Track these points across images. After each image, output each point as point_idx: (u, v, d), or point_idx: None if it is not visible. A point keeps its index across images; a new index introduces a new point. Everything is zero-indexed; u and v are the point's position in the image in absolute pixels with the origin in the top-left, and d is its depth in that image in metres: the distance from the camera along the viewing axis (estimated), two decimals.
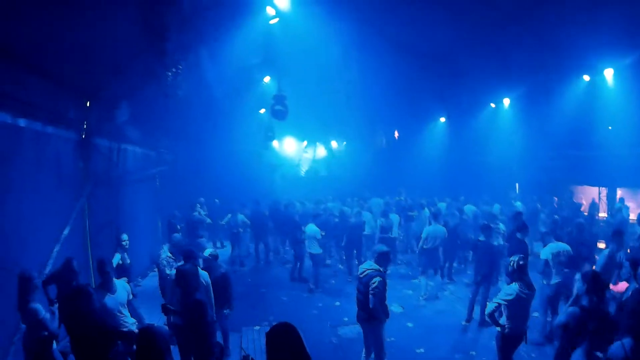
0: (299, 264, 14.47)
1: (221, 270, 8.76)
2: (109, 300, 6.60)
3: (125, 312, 6.83)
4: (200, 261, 9.22)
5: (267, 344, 3.99)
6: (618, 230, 9.40)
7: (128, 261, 9.91)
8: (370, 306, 7.30)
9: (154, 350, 4.19)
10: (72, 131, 10.08)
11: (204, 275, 7.70)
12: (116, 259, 9.63)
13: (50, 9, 7.18)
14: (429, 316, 11.40)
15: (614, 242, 8.92)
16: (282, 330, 4.02)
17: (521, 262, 6.98)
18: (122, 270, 9.43)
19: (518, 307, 6.87)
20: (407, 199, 20.81)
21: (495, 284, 11.86)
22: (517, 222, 11.55)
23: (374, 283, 7.26)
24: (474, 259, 12.11)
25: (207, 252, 8.99)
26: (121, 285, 6.91)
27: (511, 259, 7.14)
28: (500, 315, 7.06)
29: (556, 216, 14.95)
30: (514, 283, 6.97)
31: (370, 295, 7.27)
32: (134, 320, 6.95)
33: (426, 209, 17.00)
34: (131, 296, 7.09)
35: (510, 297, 6.85)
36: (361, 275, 7.58)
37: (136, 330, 6.53)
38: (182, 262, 7.78)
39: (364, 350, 7.90)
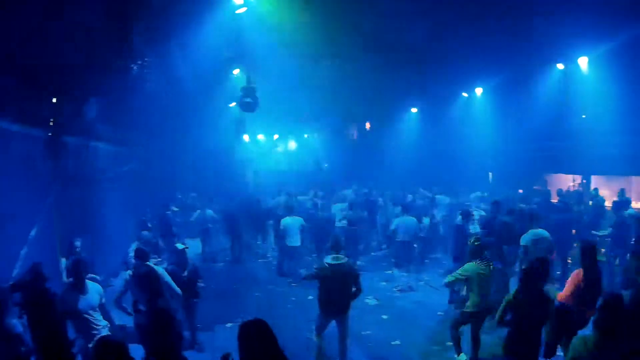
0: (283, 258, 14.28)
1: (191, 264, 8.86)
2: (81, 301, 6.44)
3: (97, 315, 6.65)
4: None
5: (240, 341, 4.03)
6: None
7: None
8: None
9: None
10: (39, 129, 9.77)
11: (160, 271, 7.65)
12: (63, 264, 9.26)
13: (17, 4, 6.94)
14: (404, 307, 11.36)
15: None
16: (254, 327, 4.07)
17: (477, 243, 7.69)
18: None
19: (477, 284, 7.43)
20: (371, 191, 20.70)
21: None
22: (497, 209, 11.65)
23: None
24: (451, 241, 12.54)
25: (180, 246, 8.89)
26: (93, 288, 6.72)
27: (470, 239, 7.86)
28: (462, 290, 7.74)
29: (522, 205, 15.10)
30: (472, 261, 7.58)
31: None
32: (106, 322, 6.78)
33: (380, 199, 16.94)
34: (104, 300, 6.89)
35: (467, 273, 7.47)
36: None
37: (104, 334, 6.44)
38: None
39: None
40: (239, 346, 4.03)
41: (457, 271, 7.72)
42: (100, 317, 6.70)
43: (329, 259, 7.73)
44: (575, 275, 6.82)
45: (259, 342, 3.99)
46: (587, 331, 5.81)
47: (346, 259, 7.79)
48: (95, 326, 6.53)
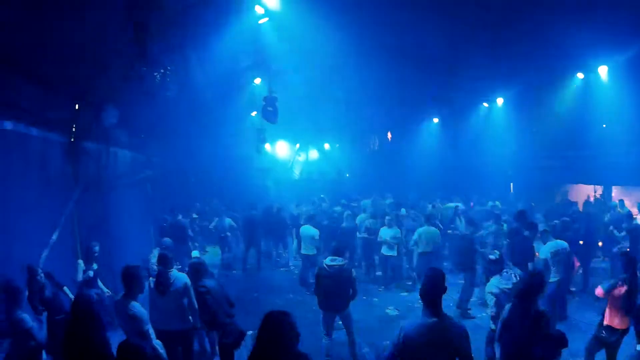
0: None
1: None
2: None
3: None
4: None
5: (260, 329, 4.08)
6: None
7: (91, 273, 9.19)
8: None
9: None
10: (60, 134, 9.90)
11: (183, 277, 7.45)
12: (80, 269, 9.08)
13: (36, 10, 7.07)
14: None
15: None
16: (277, 317, 4.16)
17: (496, 258, 7.76)
18: (86, 282, 8.81)
19: (504, 300, 7.18)
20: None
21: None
22: (523, 220, 11.29)
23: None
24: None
25: (195, 253, 8.88)
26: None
27: (493, 252, 7.97)
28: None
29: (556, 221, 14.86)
30: (495, 276, 7.57)
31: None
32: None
33: (403, 209, 16.72)
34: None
35: (495, 289, 7.34)
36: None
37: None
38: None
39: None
40: (257, 334, 4.08)
41: (487, 291, 7.55)
42: None
43: (327, 261, 8.21)
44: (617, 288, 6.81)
45: (275, 333, 4.03)
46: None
47: (344, 262, 8.22)
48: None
